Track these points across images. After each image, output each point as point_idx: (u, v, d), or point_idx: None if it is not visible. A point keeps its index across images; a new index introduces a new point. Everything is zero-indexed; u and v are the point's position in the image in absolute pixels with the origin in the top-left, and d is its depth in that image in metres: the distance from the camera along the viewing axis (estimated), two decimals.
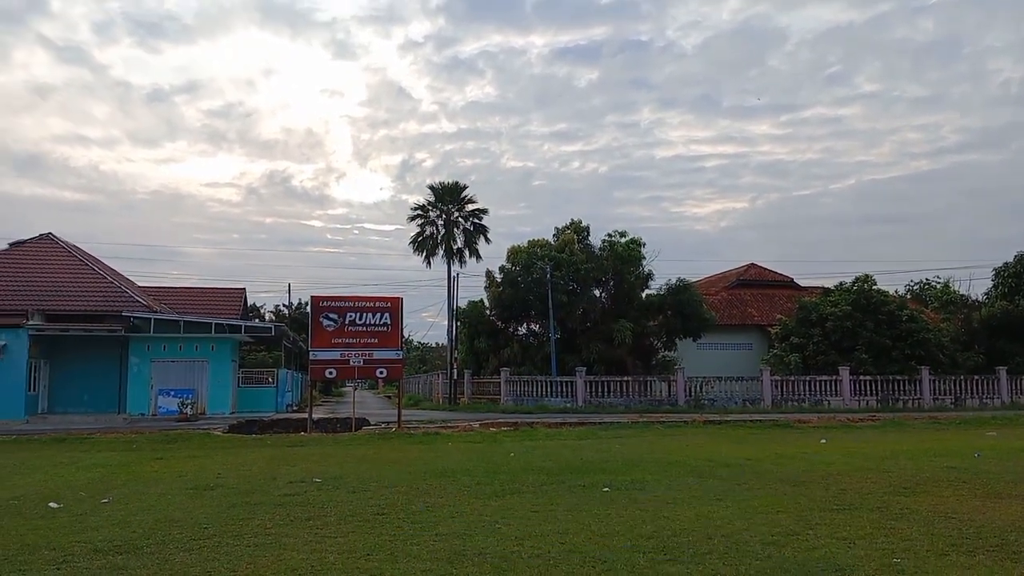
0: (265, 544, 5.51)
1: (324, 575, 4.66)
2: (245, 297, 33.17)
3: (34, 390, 22.82)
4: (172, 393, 23.24)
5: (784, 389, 26.03)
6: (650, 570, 4.71)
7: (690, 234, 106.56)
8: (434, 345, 67.78)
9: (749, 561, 4.90)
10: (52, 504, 7.34)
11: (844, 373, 25.82)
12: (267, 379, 27.90)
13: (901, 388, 26.16)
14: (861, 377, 25.95)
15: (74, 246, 27.57)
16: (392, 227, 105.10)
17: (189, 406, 22.76)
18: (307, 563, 4.94)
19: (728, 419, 20.16)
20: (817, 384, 26.01)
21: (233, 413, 23.61)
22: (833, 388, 25.92)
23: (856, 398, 25.67)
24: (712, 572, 4.65)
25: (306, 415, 18.61)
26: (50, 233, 27.32)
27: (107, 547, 5.45)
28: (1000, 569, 4.71)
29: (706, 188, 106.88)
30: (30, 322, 22.27)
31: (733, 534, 5.70)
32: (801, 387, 26.04)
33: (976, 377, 26.96)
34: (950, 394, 26.41)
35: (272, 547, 5.42)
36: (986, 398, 26.52)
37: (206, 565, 4.91)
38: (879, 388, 25.95)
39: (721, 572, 4.65)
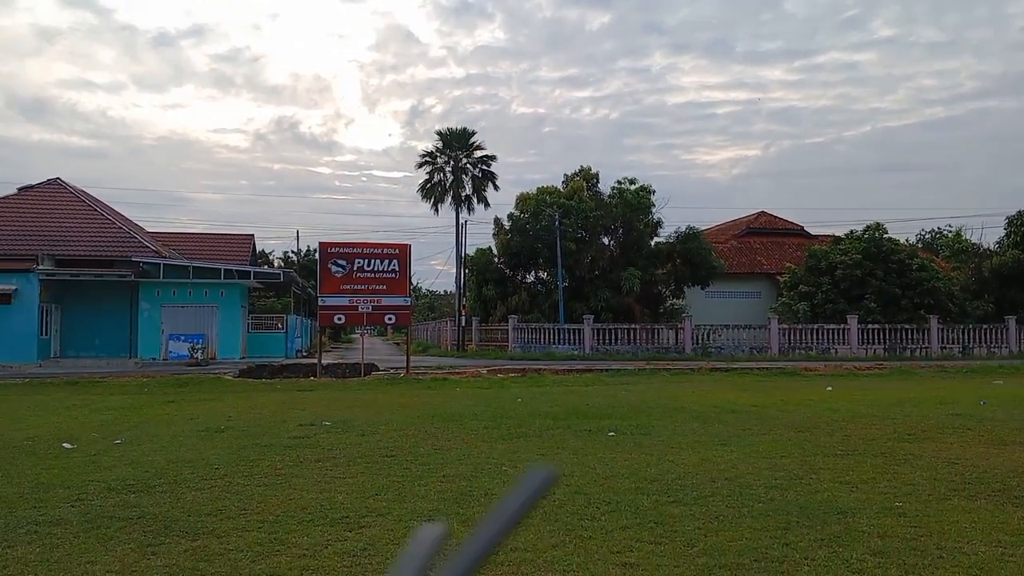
0: (275, 484, 5.60)
1: (333, 513, 4.74)
2: (254, 243, 33.16)
3: (46, 334, 23.10)
4: (182, 338, 23.48)
5: (791, 337, 26.05)
6: (654, 512, 4.76)
7: (701, 182, 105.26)
8: (442, 293, 68.02)
9: (752, 504, 4.94)
10: (66, 444, 7.47)
11: (852, 322, 25.77)
12: (277, 325, 28.13)
13: (909, 337, 26.12)
14: (869, 326, 25.90)
15: (82, 191, 27.48)
16: (401, 174, 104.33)
17: (199, 351, 23.02)
18: (316, 502, 5.02)
19: (735, 367, 20.24)
20: (825, 332, 25.99)
21: (243, 358, 23.90)
22: (841, 337, 25.91)
23: (864, 347, 25.67)
24: (715, 514, 4.69)
25: (315, 361, 18.80)
26: (58, 178, 27.19)
27: (120, 486, 5.55)
28: (1001, 513, 4.73)
29: (718, 135, 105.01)
30: (40, 267, 22.39)
31: (737, 478, 5.75)
32: (809, 335, 26.03)
33: (984, 326, 26.85)
34: (958, 343, 26.36)
35: (282, 487, 5.50)
36: (994, 347, 26.46)
37: (217, 503, 4.99)
38: (887, 337, 25.91)
39: (724, 514, 4.69)
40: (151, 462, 6.51)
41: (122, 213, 28.60)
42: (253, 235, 33.05)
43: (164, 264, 23.63)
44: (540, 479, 0.30)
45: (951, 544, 4.10)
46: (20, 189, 26.78)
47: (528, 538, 4.19)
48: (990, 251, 33.42)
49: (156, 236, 28.89)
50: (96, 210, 25.92)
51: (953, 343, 26.35)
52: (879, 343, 25.86)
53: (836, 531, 4.33)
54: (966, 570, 3.69)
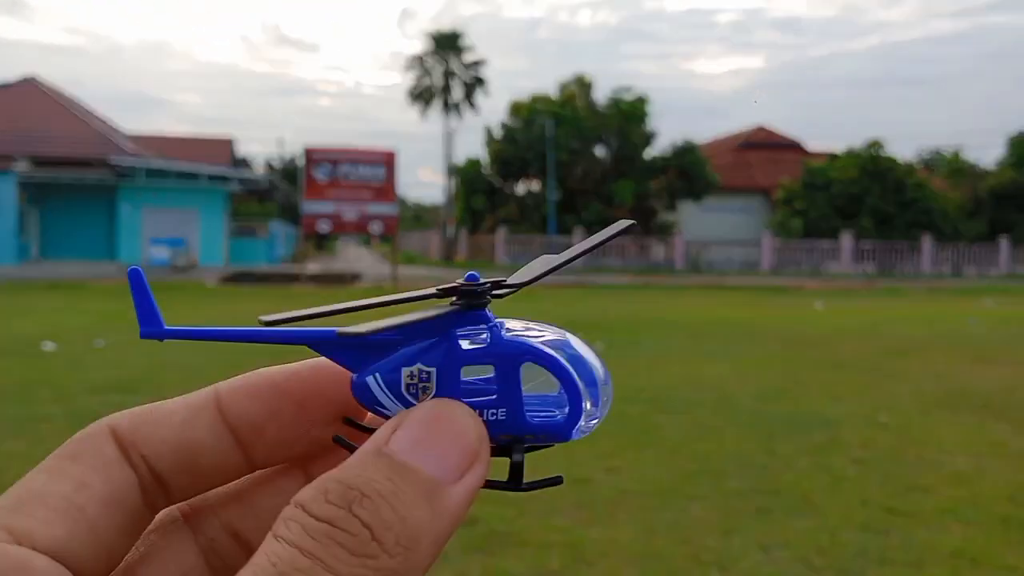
0: None
1: None
2: (233, 148, 32.30)
3: (25, 237, 22.72)
4: (164, 242, 23.17)
5: (784, 254, 26.09)
6: (641, 421, 4.77)
7: (701, 94, 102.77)
8: (429, 204, 67.35)
9: (738, 414, 4.97)
10: (48, 344, 7.40)
11: (845, 239, 25.77)
12: (260, 231, 27.78)
13: (901, 255, 26.22)
14: (862, 244, 25.94)
15: (58, 91, 26.39)
16: (389, 83, 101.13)
17: (181, 256, 22.78)
18: None
19: (726, 283, 20.32)
20: (817, 249, 26.02)
21: (226, 265, 23.72)
22: (833, 254, 25.97)
23: (856, 264, 25.79)
24: (701, 423, 4.72)
25: (299, 269, 18.66)
26: (34, 77, 26.06)
27: (104, 386, 5.51)
28: (982, 426, 4.79)
29: (719, 44, 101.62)
30: (17, 167, 21.75)
31: (723, 389, 5.78)
32: (801, 252, 26.08)
33: (977, 246, 26.96)
34: (949, 262, 26.52)
35: None
36: (986, 267, 26.67)
37: None
38: (880, 255, 26.01)
39: (710, 423, 4.71)
40: (134, 364, 6.46)
41: (101, 113, 27.63)
42: (231, 140, 32.15)
43: (144, 167, 23.01)
44: (620, 226, 0.31)
45: (931, 455, 4.15)
46: None
47: None
48: (987, 172, 33.17)
49: (135, 138, 28.01)
50: (73, 111, 24.98)
51: (945, 262, 26.51)
52: (871, 261, 25.98)
53: (820, 441, 4.36)
54: (945, 478, 3.73)
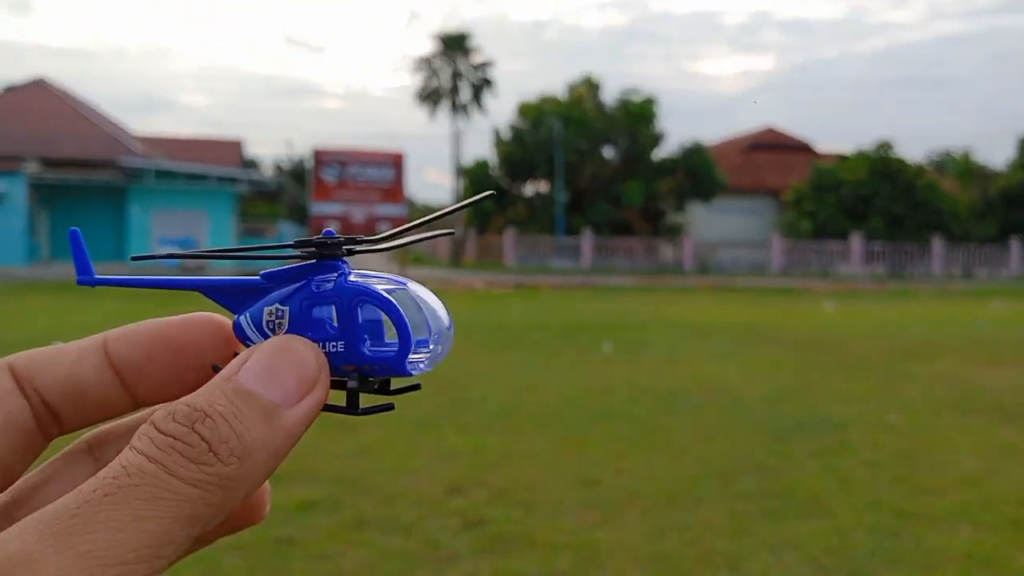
0: None
1: (327, 416, 4.71)
2: (242, 149, 32.44)
3: (36, 238, 22.90)
4: (173, 243, 23.28)
5: (793, 256, 25.98)
6: (648, 422, 4.77)
7: (709, 95, 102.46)
8: (437, 205, 67.40)
9: (746, 416, 4.96)
10: (57, 343, 7.45)
11: (855, 240, 25.63)
12: (269, 232, 27.90)
13: (912, 257, 26.06)
14: (872, 245, 25.79)
15: (67, 92, 26.59)
16: (397, 84, 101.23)
17: None
18: None
19: (735, 284, 20.25)
20: (827, 251, 25.90)
21: (235, 266, 23.80)
22: (843, 255, 25.84)
23: (866, 266, 25.65)
24: (708, 425, 4.71)
25: None
26: (43, 79, 26.27)
27: None
28: (991, 429, 4.76)
29: (727, 45, 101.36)
30: (27, 168, 21.92)
31: (732, 391, 5.76)
32: (810, 254, 25.96)
33: (987, 248, 26.76)
34: (960, 264, 26.34)
35: None
36: (996, 269, 26.47)
37: None
38: (890, 256, 25.85)
39: (718, 425, 4.70)
40: None
41: (110, 115, 27.80)
42: (240, 141, 32.28)
43: (154, 168, 23.15)
44: (483, 195, 0.36)
45: (941, 457, 4.13)
46: (4, 90, 25.91)
47: (522, 444, 4.20)
48: (997, 173, 32.92)
49: (144, 140, 28.18)
50: (82, 112, 25.15)
51: (955, 264, 26.33)
52: (881, 262, 25.83)
53: (830, 443, 4.34)
54: (955, 480, 3.71)
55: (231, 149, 31.22)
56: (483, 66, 29.84)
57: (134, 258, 0.35)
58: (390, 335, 0.30)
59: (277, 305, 0.30)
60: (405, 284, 0.30)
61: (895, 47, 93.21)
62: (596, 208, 27.37)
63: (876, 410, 5.22)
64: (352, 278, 0.30)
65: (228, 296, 0.33)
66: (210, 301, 0.34)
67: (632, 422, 4.76)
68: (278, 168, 48.00)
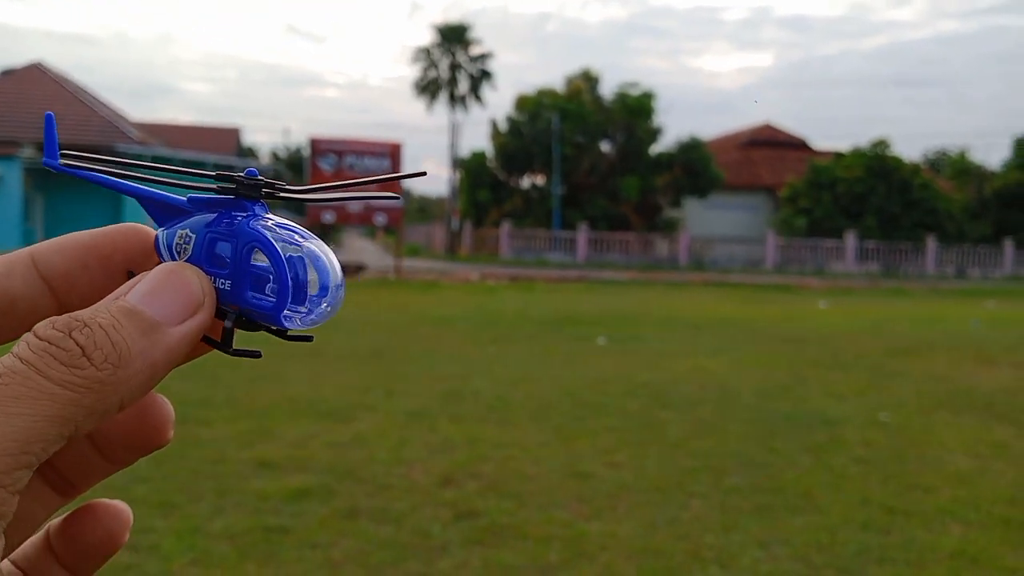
0: (262, 378, 5.58)
1: (321, 407, 4.73)
2: (239, 137, 32.29)
3: (31, 222, 22.77)
4: None
5: (788, 253, 26.03)
6: (642, 416, 4.78)
7: (708, 90, 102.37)
8: (434, 197, 67.24)
9: (739, 411, 4.97)
10: None
11: (850, 238, 25.70)
12: None
13: (905, 256, 26.15)
14: (867, 243, 25.87)
15: (64, 77, 26.40)
16: (396, 75, 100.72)
17: None
18: (304, 396, 5.01)
19: (729, 280, 20.29)
20: (822, 248, 25.96)
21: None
22: (838, 253, 25.91)
23: (860, 264, 25.72)
24: (702, 419, 4.72)
25: None
26: (40, 63, 26.07)
27: None
28: (983, 428, 4.78)
29: (726, 41, 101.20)
30: (23, 153, 21.79)
31: (725, 386, 5.78)
32: (805, 251, 26.02)
33: (981, 248, 26.87)
34: (953, 264, 26.45)
35: (269, 380, 5.48)
36: (990, 269, 26.59)
37: (204, 394, 4.97)
38: (884, 255, 25.94)
39: (711, 420, 4.72)
40: None
41: (108, 101, 27.62)
42: (238, 129, 32.14)
43: (150, 155, 23.02)
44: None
45: (933, 454, 4.15)
46: (0, 74, 25.70)
47: (515, 436, 4.21)
48: (993, 173, 33.01)
49: (141, 126, 28.02)
50: (79, 97, 24.98)
51: (949, 263, 26.43)
52: (876, 261, 25.91)
53: (821, 440, 4.36)
54: (946, 478, 3.74)
55: (228, 137, 31.07)
56: (482, 58, 29.75)
57: (47, 165, 0.34)
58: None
59: (188, 231, 0.31)
60: (305, 240, 0.30)
61: (895, 45, 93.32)
62: (592, 202, 27.36)
63: (868, 408, 5.24)
64: (258, 223, 0.30)
65: (158, 210, 0.33)
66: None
67: (625, 416, 4.77)
68: (275, 156, 47.83)
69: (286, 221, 0.31)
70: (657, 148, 28.75)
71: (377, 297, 12.68)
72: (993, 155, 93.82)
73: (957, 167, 36.61)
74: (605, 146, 28.93)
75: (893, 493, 3.49)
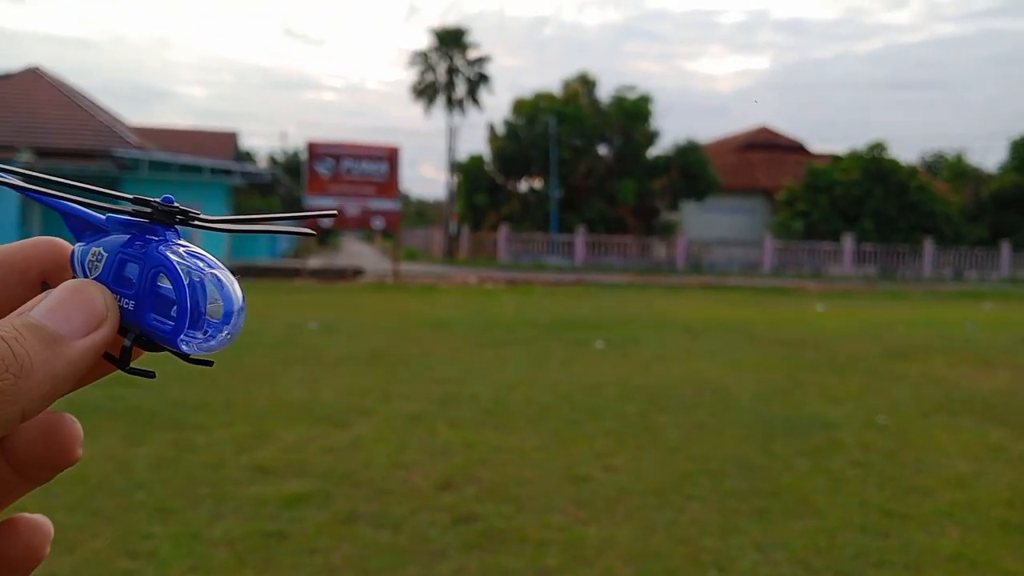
0: (260, 381, 5.57)
1: (319, 411, 4.72)
2: (237, 141, 32.28)
3: (29, 227, 22.73)
4: None
5: (785, 256, 26.07)
6: (639, 419, 4.78)
7: (705, 94, 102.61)
8: (432, 201, 67.26)
9: (737, 414, 4.97)
10: None
11: (847, 241, 25.75)
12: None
13: (903, 258, 26.20)
14: (864, 246, 25.91)
15: (61, 82, 26.39)
16: (394, 79, 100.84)
17: None
18: (302, 400, 5.01)
19: (727, 283, 20.31)
20: (819, 251, 26.00)
21: (228, 259, 23.71)
22: (835, 256, 25.95)
23: (857, 267, 25.77)
24: (699, 423, 4.72)
25: (301, 263, 18.67)
26: (36, 67, 26.07)
27: (104, 380, 5.50)
28: (980, 431, 4.79)
29: (723, 44, 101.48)
30: (20, 158, 21.76)
31: (723, 389, 5.78)
32: (802, 254, 26.06)
33: (978, 250, 26.93)
34: (951, 266, 26.50)
35: (267, 384, 5.48)
36: (987, 271, 26.64)
37: (202, 397, 4.96)
38: (881, 258, 25.98)
39: (708, 423, 4.72)
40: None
41: (105, 104, 27.62)
42: (235, 133, 32.12)
43: (147, 159, 23.02)
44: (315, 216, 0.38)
45: (930, 458, 4.15)
46: None
47: (513, 440, 4.20)
48: (990, 175, 33.10)
49: (138, 130, 28.00)
50: (75, 101, 24.96)
51: (946, 266, 26.49)
52: (873, 263, 25.96)
53: (819, 443, 4.36)
54: (944, 482, 3.74)
55: (226, 141, 31.05)
56: (479, 61, 29.78)
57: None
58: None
59: (102, 249, 0.32)
60: (210, 268, 0.31)
61: (892, 48, 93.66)
62: (590, 205, 27.39)
63: (865, 410, 5.24)
64: (167, 248, 0.31)
65: (78, 225, 0.34)
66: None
67: (623, 419, 4.77)
68: (272, 160, 47.81)
69: (197, 249, 0.32)
70: (654, 151, 28.80)
71: (375, 301, 12.68)
72: (990, 157, 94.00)
73: (954, 170, 36.72)
74: (602, 149, 28.98)
75: (891, 496, 3.49)
